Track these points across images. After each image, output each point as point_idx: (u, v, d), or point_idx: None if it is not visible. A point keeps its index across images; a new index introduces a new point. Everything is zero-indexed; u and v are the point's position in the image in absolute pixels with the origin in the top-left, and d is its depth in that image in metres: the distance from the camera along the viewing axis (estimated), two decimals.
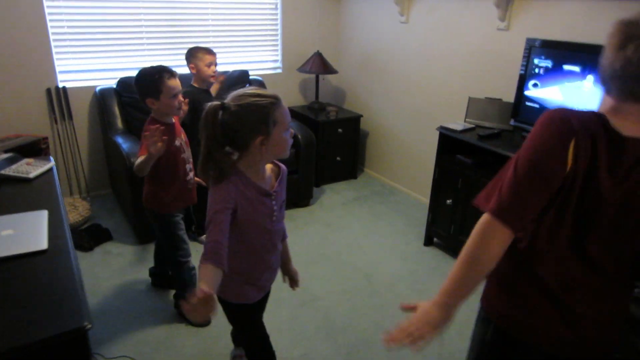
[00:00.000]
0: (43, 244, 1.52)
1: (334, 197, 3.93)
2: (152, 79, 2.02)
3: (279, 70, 4.30)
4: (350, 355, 2.22)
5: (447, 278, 1.13)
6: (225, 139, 1.35)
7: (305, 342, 2.28)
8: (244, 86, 3.77)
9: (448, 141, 3.00)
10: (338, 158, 4.13)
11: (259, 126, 1.34)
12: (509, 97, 2.95)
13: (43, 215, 1.73)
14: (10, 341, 1.11)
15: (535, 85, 2.69)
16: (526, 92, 2.75)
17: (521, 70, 2.75)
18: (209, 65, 2.77)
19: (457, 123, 3.06)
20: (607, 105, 1.04)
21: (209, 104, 1.34)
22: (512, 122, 2.86)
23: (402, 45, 3.78)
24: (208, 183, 1.41)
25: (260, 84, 3.98)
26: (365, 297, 2.65)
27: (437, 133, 3.02)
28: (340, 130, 4.04)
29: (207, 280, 1.24)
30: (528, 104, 2.75)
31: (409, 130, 3.91)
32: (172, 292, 2.52)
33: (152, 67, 2.07)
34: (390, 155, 4.18)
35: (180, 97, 2.10)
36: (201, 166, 1.40)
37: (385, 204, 3.85)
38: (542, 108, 2.64)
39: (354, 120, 4.14)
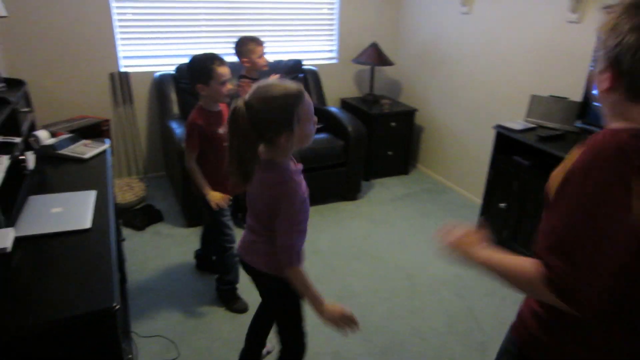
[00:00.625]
0: (87, 223, 1.59)
1: (383, 193, 3.86)
2: (202, 65, 2.06)
3: (335, 61, 4.25)
4: (383, 358, 2.16)
5: (494, 254, 1.01)
6: (257, 136, 1.33)
7: (338, 340, 2.25)
8: (297, 76, 3.77)
9: (505, 141, 2.84)
10: (390, 152, 4.04)
11: (283, 124, 1.31)
12: (576, 96, 2.74)
13: (91, 195, 1.80)
14: (42, 315, 1.16)
15: None
16: (594, 92, 2.54)
17: (591, 67, 2.54)
18: (261, 56, 2.78)
19: (517, 122, 2.89)
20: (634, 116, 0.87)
21: (234, 104, 1.31)
22: (577, 123, 2.65)
23: (463, 37, 3.62)
24: (237, 184, 1.40)
25: (314, 74, 3.96)
26: (405, 299, 2.58)
27: (493, 131, 2.87)
28: (393, 124, 3.95)
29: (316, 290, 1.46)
30: (596, 104, 2.54)
31: (465, 127, 3.75)
32: (215, 276, 2.57)
33: (203, 54, 2.11)
34: (444, 152, 4.03)
35: (229, 86, 2.13)
36: (235, 168, 1.35)
37: (436, 202, 3.72)
38: None
39: (408, 114, 4.03)
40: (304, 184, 1.48)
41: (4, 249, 1.41)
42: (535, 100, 2.94)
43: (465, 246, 1.08)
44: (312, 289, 1.46)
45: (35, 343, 1.17)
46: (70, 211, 1.68)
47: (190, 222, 3.19)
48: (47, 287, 1.27)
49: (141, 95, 3.65)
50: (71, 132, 2.90)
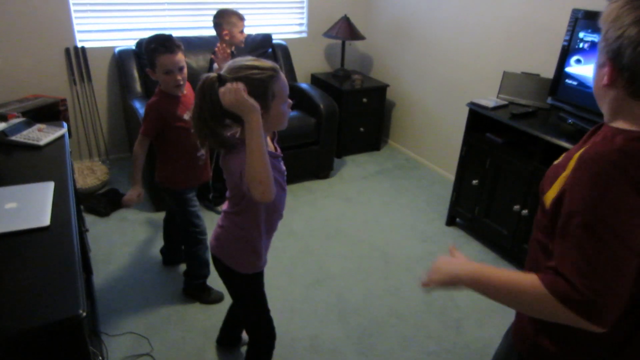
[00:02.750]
0: (45, 220, 1.47)
1: (355, 170, 3.82)
2: (147, 49, 1.92)
3: (304, 35, 4.12)
4: (362, 340, 2.16)
5: (485, 270, 0.95)
6: (223, 111, 1.27)
7: (316, 323, 2.23)
8: (266, 51, 3.63)
9: (478, 118, 2.82)
10: (361, 129, 3.98)
11: (256, 100, 1.25)
12: (548, 73, 2.74)
13: (49, 187, 1.67)
14: (3, 326, 1.07)
15: (578, 61, 2.47)
16: (567, 69, 2.53)
17: (564, 43, 2.52)
18: (242, 32, 2.68)
19: (489, 99, 2.87)
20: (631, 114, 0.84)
21: (205, 75, 1.27)
22: (549, 100, 2.65)
23: (436, 12, 3.54)
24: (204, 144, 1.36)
25: (283, 48, 3.82)
26: (380, 279, 2.57)
27: (466, 108, 2.85)
28: (365, 99, 3.88)
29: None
30: (568, 81, 2.54)
31: (438, 103, 3.71)
32: (183, 266, 2.47)
33: (152, 37, 1.96)
34: (417, 128, 4.00)
35: (182, 74, 1.98)
36: (197, 132, 1.33)
37: (408, 178, 3.71)
38: (583, 86, 2.44)
39: (380, 90, 3.96)
40: (280, 169, 1.43)
41: None
42: (507, 76, 2.92)
43: (448, 266, 1.01)
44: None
45: None
46: (26, 207, 1.55)
47: (157, 207, 3.07)
48: (3, 295, 1.17)
49: (100, 73, 3.44)
50: (24, 113, 2.70)
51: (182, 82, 2.00)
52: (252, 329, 1.69)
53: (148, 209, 3.08)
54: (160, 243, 2.68)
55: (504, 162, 2.67)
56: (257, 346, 1.72)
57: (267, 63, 1.30)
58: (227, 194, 1.49)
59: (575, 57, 2.48)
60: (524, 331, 1.04)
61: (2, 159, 1.95)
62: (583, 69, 2.45)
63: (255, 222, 1.46)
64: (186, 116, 2.04)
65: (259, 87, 1.27)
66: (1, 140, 2.04)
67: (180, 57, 1.96)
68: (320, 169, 3.60)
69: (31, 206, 1.55)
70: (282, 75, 1.32)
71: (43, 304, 1.15)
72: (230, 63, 1.30)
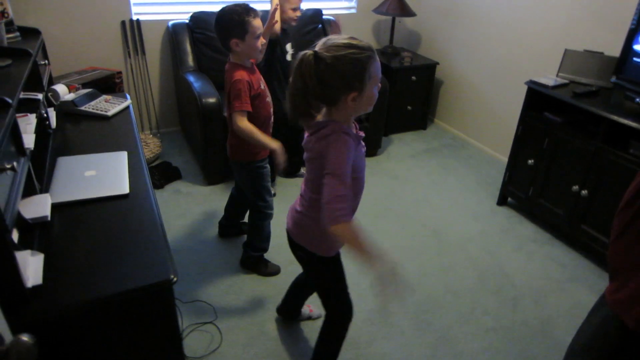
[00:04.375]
0: (125, 188, 1.52)
1: (402, 148, 3.78)
2: (237, 19, 1.88)
3: (353, 10, 4.05)
4: (418, 315, 2.17)
5: None
6: (319, 91, 1.24)
7: (371, 298, 2.25)
8: (316, 27, 3.59)
9: (536, 97, 2.74)
10: (409, 107, 3.93)
11: (354, 82, 1.22)
12: (612, 51, 2.62)
13: (123, 157, 1.72)
14: (99, 290, 1.11)
15: None
16: (635, 47, 2.42)
17: (633, 21, 2.40)
18: (294, 9, 2.60)
19: (549, 77, 2.78)
20: None
21: (302, 53, 1.22)
22: (613, 79, 2.55)
23: None
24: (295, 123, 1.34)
25: (334, 24, 3.77)
26: (434, 257, 2.56)
27: (522, 86, 2.77)
28: (413, 77, 3.81)
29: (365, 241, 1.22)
30: (636, 59, 2.43)
31: (489, 81, 3.62)
32: (241, 238, 2.51)
33: (234, 5, 1.92)
34: (465, 107, 3.92)
35: (263, 40, 1.99)
36: (293, 108, 1.30)
37: (456, 158, 3.66)
38: None
39: (429, 68, 3.88)
40: (361, 150, 1.40)
41: (44, 217, 1.34)
42: (569, 55, 2.81)
43: None
44: (360, 243, 1.25)
45: (94, 317, 1.13)
46: (104, 174, 1.60)
47: (209, 180, 3.12)
48: (97, 259, 1.22)
49: (153, 46, 3.48)
50: (84, 85, 2.77)
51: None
52: (331, 309, 1.67)
53: (200, 182, 3.14)
54: (213, 216, 2.73)
55: (563, 142, 2.60)
56: (334, 326, 1.69)
57: (364, 43, 1.25)
58: (307, 176, 1.45)
59: None
60: (632, 296, 1.03)
61: (73, 129, 2.02)
62: None
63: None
64: (262, 85, 2.04)
65: (358, 67, 1.22)
66: (71, 110, 2.11)
67: None
68: (369, 147, 3.57)
69: (109, 174, 1.60)
70: (377, 56, 1.28)
71: (135, 268, 1.19)
72: (325, 40, 1.24)
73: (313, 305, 2.11)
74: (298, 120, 1.32)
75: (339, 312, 1.65)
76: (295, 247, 1.58)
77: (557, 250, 2.66)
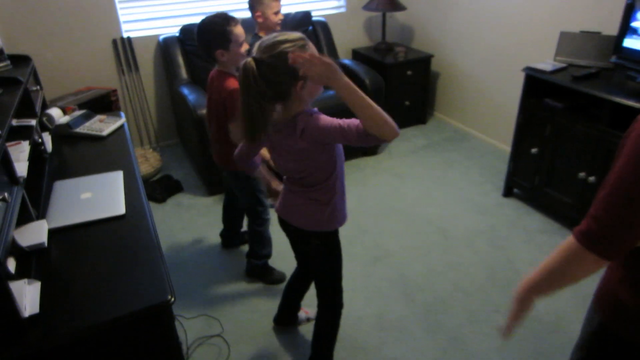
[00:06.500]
0: (121, 209, 1.51)
1: (403, 145, 3.75)
2: (219, 29, 1.89)
3: (343, 10, 4.02)
4: (428, 316, 2.14)
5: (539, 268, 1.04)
6: (271, 92, 1.30)
7: (379, 301, 2.22)
8: (307, 29, 3.57)
9: (535, 83, 2.70)
10: (407, 102, 3.89)
11: (296, 71, 1.26)
12: (610, 29, 2.57)
13: (119, 177, 1.71)
14: (96, 316, 1.10)
15: None
16: (633, 24, 2.37)
17: None
18: (276, 13, 2.58)
19: (546, 62, 2.74)
20: None
21: (243, 62, 1.28)
22: (613, 59, 2.50)
23: None
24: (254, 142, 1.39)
25: (323, 25, 3.75)
26: (441, 254, 2.53)
27: (519, 73, 2.72)
28: (409, 72, 3.78)
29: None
30: (634, 37, 2.38)
31: (486, 70, 3.57)
32: (244, 247, 2.50)
33: (214, 16, 1.93)
34: (464, 99, 3.88)
35: (246, 46, 1.97)
36: (252, 126, 1.33)
37: (458, 151, 3.62)
38: None
39: (424, 61, 3.84)
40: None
41: (41, 244, 1.33)
42: (565, 37, 2.76)
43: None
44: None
45: (92, 343, 1.11)
46: (100, 196, 1.59)
47: (211, 190, 3.11)
48: (94, 283, 1.21)
49: (146, 61, 3.48)
50: (80, 105, 2.77)
51: None
52: (327, 297, 1.73)
53: (202, 194, 3.13)
54: (216, 226, 2.72)
55: (566, 128, 2.55)
56: (328, 315, 1.77)
57: (294, 34, 1.31)
58: (298, 175, 1.50)
59: None
60: (606, 288, 1.05)
61: (69, 151, 2.01)
62: None
63: (335, 186, 1.50)
64: None
65: None
66: (66, 133, 2.10)
67: None
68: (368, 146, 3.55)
69: (105, 195, 1.59)
70: (310, 42, 1.33)
71: (132, 291, 1.18)
72: (258, 43, 1.30)
73: (307, 308, 2.12)
74: (256, 136, 1.36)
75: (334, 299, 1.74)
76: (305, 240, 1.63)
77: None
